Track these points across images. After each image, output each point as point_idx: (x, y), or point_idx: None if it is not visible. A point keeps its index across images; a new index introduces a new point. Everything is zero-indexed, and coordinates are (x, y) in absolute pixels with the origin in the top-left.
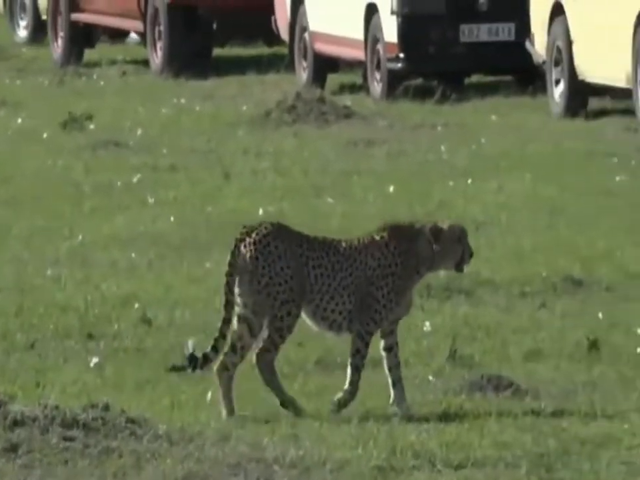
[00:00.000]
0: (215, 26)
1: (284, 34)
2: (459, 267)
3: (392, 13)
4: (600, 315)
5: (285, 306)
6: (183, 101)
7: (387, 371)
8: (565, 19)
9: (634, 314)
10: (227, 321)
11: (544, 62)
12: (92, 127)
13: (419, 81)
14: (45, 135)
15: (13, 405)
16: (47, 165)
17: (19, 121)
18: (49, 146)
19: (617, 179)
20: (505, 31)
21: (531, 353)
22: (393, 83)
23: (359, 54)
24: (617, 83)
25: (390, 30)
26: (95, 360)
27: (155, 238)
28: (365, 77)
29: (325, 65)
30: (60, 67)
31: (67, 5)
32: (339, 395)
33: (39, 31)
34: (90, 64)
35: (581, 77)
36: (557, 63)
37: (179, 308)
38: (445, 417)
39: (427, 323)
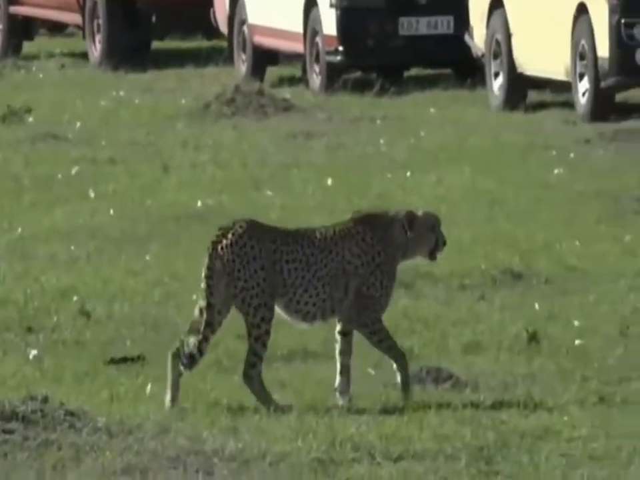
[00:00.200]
0: (154, 19)
1: (223, 27)
2: (432, 255)
3: (331, 5)
4: (539, 307)
5: (259, 311)
6: (121, 93)
7: (337, 355)
8: (504, 11)
9: (572, 306)
10: (209, 324)
11: (483, 55)
12: (31, 119)
13: (358, 73)
14: None
15: None
16: None
17: None
18: None
19: (556, 171)
20: (444, 24)
21: (470, 345)
22: (332, 75)
23: (298, 47)
24: (555, 75)
25: (329, 23)
26: (33, 352)
27: (94, 231)
28: (304, 70)
29: (264, 58)
30: None
31: None
32: (397, 379)
33: None
34: (29, 57)
35: (520, 70)
36: (495, 56)
37: (117, 301)
38: (385, 410)
39: None
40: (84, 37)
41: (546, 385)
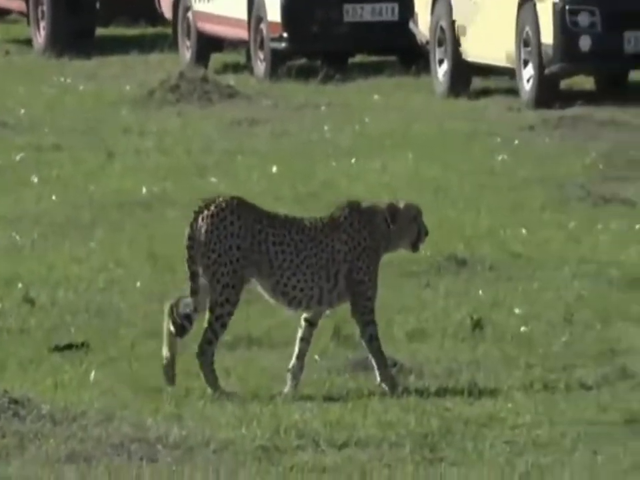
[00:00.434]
0: (98, 5)
1: (167, 13)
2: (415, 246)
3: None
4: (483, 294)
5: (225, 291)
6: (66, 80)
7: (297, 340)
8: None
9: (517, 293)
10: (194, 292)
11: (427, 42)
12: None
13: (302, 60)
14: None
15: None
16: None
17: None
18: None
19: (500, 158)
20: (388, 11)
21: (415, 332)
22: (277, 62)
23: (242, 33)
24: (499, 62)
25: (273, 9)
26: None
27: (37, 217)
28: (248, 57)
29: (208, 45)
30: None
31: None
32: (383, 385)
33: None
34: None
35: (464, 57)
36: (440, 43)
37: (61, 287)
38: (329, 397)
39: None
40: (28, 23)
41: (490, 371)
